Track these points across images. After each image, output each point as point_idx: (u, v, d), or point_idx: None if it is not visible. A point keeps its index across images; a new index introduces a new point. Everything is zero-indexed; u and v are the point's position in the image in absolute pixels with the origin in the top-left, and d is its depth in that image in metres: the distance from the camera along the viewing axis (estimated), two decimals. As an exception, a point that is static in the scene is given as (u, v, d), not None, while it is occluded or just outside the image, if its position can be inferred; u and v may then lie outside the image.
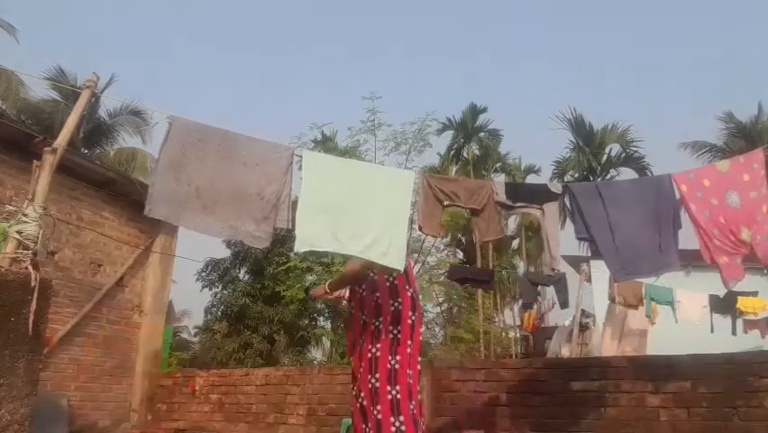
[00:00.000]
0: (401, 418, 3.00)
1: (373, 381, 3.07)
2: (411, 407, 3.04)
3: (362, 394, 3.09)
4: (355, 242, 3.20)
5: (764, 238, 3.61)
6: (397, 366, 3.09)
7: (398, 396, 3.04)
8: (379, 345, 3.13)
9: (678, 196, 3.73)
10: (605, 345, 8.45)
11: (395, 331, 3.16)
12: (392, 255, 3.22)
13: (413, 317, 3.23)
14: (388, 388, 3.04)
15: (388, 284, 3.27)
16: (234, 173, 3.29)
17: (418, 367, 3.23)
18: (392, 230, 3.29)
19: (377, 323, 3.18)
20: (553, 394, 5.33)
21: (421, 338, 3.38)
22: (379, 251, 3.19)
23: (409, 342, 3.17)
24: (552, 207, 3.94)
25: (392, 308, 3.19)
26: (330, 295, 3.41)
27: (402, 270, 3.20)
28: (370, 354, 3.13)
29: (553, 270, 4.24)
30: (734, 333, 8.41)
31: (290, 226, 3.31)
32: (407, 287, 3.30)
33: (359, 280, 3.32)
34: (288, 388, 6.65)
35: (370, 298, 3.27)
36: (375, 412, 3.01)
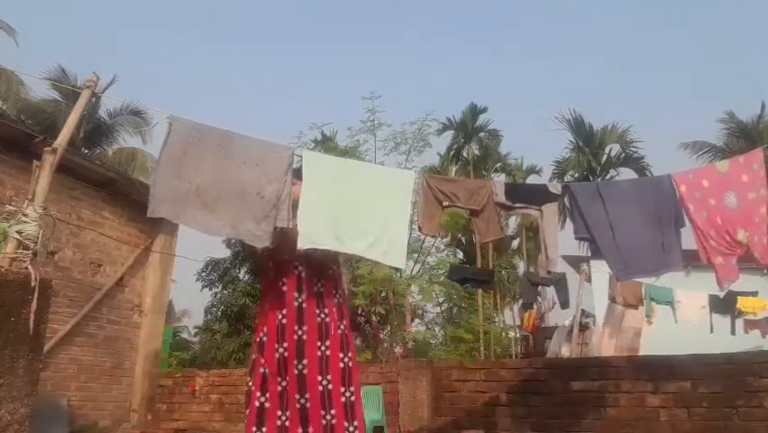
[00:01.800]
0: (355, 423, 2.92)
1: (325, 382, 2.92)
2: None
3: (307, 396, 2.87)
4: (356, 241, 3.20)
5: (762, 239, 3.62)
6: (350, 364, 2.99)
7: (353, 398, 2.95)
8: (328, 343, 2.96)
9: (678, 196, 3.73)
10: (605, 345, 8.45)
11: (342, 327, 3.07)
12: (393, 254, 3.23)
13: (347, 311, 3.21)
14: (342, 390, 2.94)
15: (331, 272, 3.16)
16: (235, 172, 3.29)
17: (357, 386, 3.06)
18: (392, 229, 3.30)
19: (323, 315, 3.03)
20: (552, 394, 5.33)
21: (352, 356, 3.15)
22: (380, 250, 3.20)
23: (354, 341, 3.09)
24: (550, 209, 3.93)
25: (335, 300, 3.10)
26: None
27: (404, 267, 3.19)
28: (319, 353, 2.95)
29: (549, 272, 4.23)
30: (733, 333, 8.41)
31: (290, 226, 3.30)
32: (343, 278, 3.26)
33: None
34: (288, 388, 6.64)
35: (311, 282, 3.09)
36: (327, 416, 2.89)
